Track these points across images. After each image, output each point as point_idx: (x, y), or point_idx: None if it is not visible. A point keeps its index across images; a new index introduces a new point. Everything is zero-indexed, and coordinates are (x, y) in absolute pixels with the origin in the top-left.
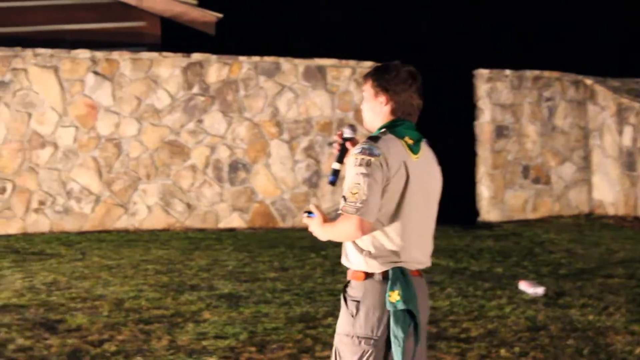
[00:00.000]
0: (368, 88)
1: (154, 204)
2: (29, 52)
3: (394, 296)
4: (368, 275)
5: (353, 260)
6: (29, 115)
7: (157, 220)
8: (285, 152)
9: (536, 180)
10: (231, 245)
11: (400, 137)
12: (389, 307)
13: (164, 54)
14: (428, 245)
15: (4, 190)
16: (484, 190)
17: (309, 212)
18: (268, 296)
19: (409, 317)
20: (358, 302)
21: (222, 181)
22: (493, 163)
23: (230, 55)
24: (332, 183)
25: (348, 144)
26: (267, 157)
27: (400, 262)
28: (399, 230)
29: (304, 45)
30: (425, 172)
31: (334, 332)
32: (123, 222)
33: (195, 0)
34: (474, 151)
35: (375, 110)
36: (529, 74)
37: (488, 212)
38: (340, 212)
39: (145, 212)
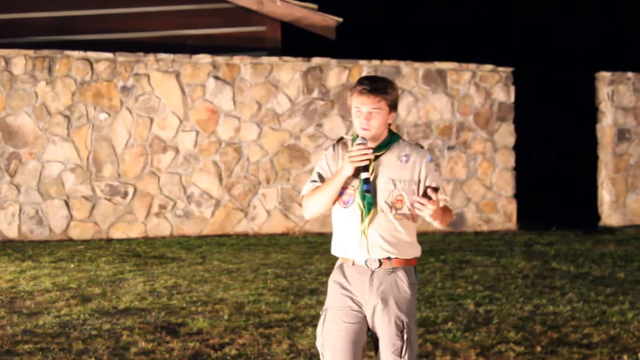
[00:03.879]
0: (385, 105)
1: (274, 208)
2: (151, 57)
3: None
4: (417, 261)
5: (407, 250)
6: (151, 120)
7: (276, 225)
8: None
9: None
10: None
11: None
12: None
13: (285, 58)
14: None
15: (125, 194)
16: (605, 195)
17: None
18: None
19: None
20: (415, 284)
21: None
22: (615, 167)
23: (350, 59)
24: (368, 191)
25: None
26: None
27: None
28: None
29: (423, 49)
30: None
31: (454, 337)
32: (243, 226)
33: (315, 4)
34: (596, 155)
35: (384, 125)
36: None
37: (609, 216)
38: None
39: (265, 216)
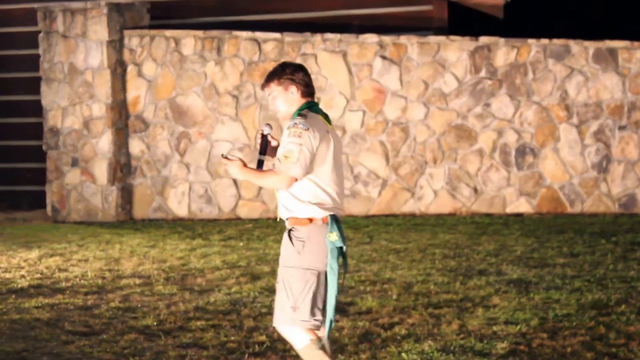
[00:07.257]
0: (275, 87)
1: (441, 188)
2: (318, 37)
3: (333, 236)
4: (311, 221)
5: (296, 210)
6: (318, 99)
7: (443, 205)
8: (574, 136)
9: None
10: (518, 230)
11: (318, 113)
12: (328, 244)
13: (452, 37)
14: (343, 196)
15: None
16: None
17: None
18: (558, 282)
19: (341, 252)
20: (303, 241)
21: (509, 165)
22: None
23: (518, 38)
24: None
25: (269, 137)
26: (556, 142)
27: (333, 209)
28: (332, 184)
29: (593, 26)
30: (338, 139)
31: (628, 320)
32: (409, 206)
33: None
34: None
35: (289, 100)
36: None
37: None
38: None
39: (432, 196)
